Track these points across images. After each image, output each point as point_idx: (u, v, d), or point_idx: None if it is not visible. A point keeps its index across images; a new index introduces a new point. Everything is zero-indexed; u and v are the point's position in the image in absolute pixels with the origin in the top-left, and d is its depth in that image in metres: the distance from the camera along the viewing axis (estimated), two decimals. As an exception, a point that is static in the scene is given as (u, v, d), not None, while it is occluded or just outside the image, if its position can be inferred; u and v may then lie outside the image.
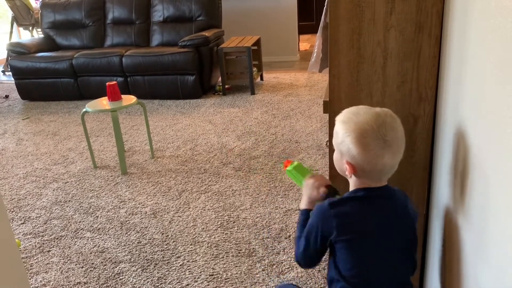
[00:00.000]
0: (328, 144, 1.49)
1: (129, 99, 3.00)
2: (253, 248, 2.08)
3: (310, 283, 1.84)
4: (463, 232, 1.05)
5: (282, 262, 1.97)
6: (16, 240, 1.27)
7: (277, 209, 2.40)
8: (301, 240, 1.16)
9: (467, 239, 1.01)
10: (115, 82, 2.98)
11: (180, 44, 4.48)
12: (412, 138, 1.41)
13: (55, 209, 2.58)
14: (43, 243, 2.26)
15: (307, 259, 1.17)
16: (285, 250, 2.05)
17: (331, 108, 1.44)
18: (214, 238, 2.19)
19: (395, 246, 1.10)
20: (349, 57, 1.36)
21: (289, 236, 2.15)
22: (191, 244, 2.15)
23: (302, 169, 1.36)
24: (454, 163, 1.14)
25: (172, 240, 2.20)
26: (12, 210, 2.60)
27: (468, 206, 1.01)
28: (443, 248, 1.28)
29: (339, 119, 1.06)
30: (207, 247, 2.12)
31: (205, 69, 4.53)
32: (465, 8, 1.05)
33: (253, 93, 4.58)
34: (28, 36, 6.80)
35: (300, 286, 1.74)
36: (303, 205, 1.29)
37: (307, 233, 1.14)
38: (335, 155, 1.10)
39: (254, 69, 4.70)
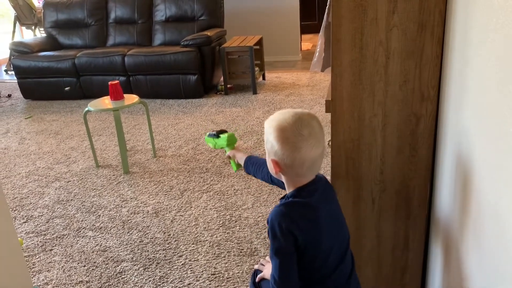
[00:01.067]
0: (330, 143, 1.49)
1: (131, 98, 3.00)
2: (255, 248, 2.09)
3: None
4: (465, 233, 1.04)
5: (283, 262, 1.97)
6: (18, 239, 1.28)
7: (279, 208, 2.40)
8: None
9: (469, 240, 1.01)
10: (117, 81, 2.99)
11: (182, 43, 4.48)
12: (414, 137, 1.40)
13: (57, 208, 2.58)
14: (45, 242, 2.26)
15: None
16: (287, 250, 2.05)
17: (333, 107, 1.43)
18: (216, 237, 2.19)
19: (336, 240, 1.17)
20: (352, 56, 1.35)
21: (291, 235, 2.15)
22: (193, 243, 2.16)
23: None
24: (457, 163, 1.14)
25: (174, 239, 2.20)
26: (14, 208, 2.61)
27: (471, 206, 1.00)
28: (445, 249, 1.28)
29: (266, 122, 1.15)
30: (209, 246, 2.13)
31: (207, 69, 4.54)
32: (467, 7, 1.05)
33: (255, 92, 4.59)
34: (30, 35, 6.81)
35: None
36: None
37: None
38: (267, 159, 1.18)
39: (256, 68, 4.70)
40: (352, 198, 1.54)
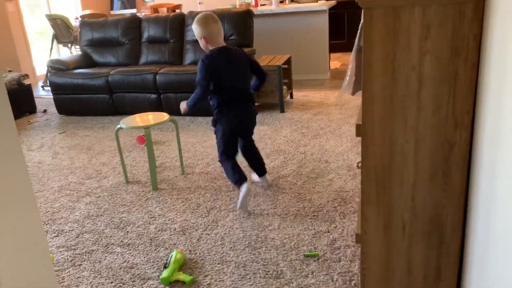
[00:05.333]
0: (359, 165, 1.48)
1: (161, 116, 3.06)
2: (281, 270, 2.06)
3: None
4: (504, 260, 1.01)
5: (310, 286, 1.94)
6: (50, 254, 1.31)
7: (305, 230, 2.37)
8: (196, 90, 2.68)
9: (507, 274, 0.97)
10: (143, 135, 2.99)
11: (212, 62, 4.55)
12: (447, 164, 1.37)
13: (87, 223, 2.64)
14: (75, 257, 2.31)
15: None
16: (314, 274, 2.02)
17: (364, 132, 1.42)
18: (242, 258, 2.18)
19: (239, 73, 2.64)
20: (383, 81, 1.35)
21: (318, 259, 2.12)
22: (218, 263, 2.15)
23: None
24: (492, 191, 1.10)
25: (200, 258, 2.20)
26: (46, 222, 2.68)
27: (507, 236, 0.97)
28: (479, 281, 1.23)
29: (193, 25, 2.61)
30: (235, 266, 2.12)
31: (236, 87, 4.58)
32: (505, 33, 1.03)
33: (282, 111, 4.60)
34: (67, 52, 7.07)
35: None
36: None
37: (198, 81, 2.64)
38: (200, 42, 2.59)
39: (284, 87, 4.72)
40: (383, 224, 1.51)
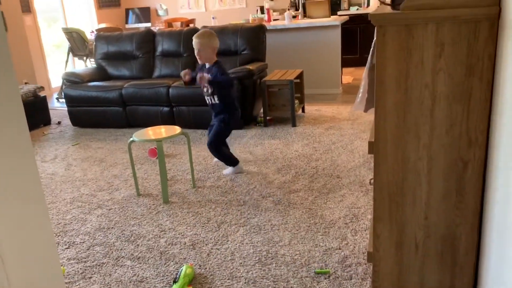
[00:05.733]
0: (372, 182, 1.46)
1: (174, 130, 3.08)
2: (291, 287, 2.04)
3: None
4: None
5: (320, 303, 1.91)
6: (61, 267, 1.31)
7: (316, 247, 2.35)
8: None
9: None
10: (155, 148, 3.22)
11: (224, 76, 4.59)
12: (461, 183, 1.36)
13: (98, 236, 2.65)
14: (85, 269, 2.31)
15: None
16: (324, 291, 1.99)
17: (377, 149, 1.41)
18: (252, 274, 2.17)
19: None
20: (396, 98, 1.34)
21: (329, 276, 2.09)
22: (228, 279, 2.14)
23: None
24: (508, 211, 1.08)
25: (210, 274, 2.19)
26: (58, 234, 2.69)
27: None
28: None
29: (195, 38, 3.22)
30: (245, 282, 2.10)
31: (247, 101, 4.61)
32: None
33: (294, 125, 4.60)
34: (82, 65, 7.19)
35: None
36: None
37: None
38: (207, 53, 3.22)
39: (296, 101, 4.73)
40: (395, 242, 1.49)
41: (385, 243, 1.50)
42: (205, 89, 3.32)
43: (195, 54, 3.31)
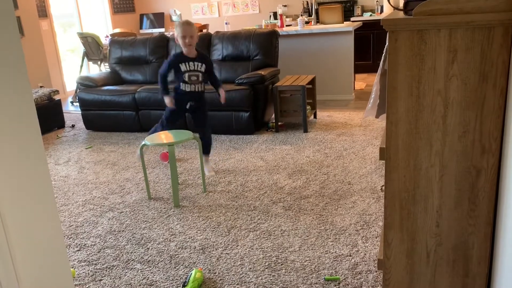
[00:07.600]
0: (383, 188, 1.45)
1: (185, 134, 3.09)
2: (301, 293, 2.03)
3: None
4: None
5: (330, 311, 1.89)
6: (71, 269, 1.32)
7: (327, 253, 2.33)
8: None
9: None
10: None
11: (236, 81, 4.60)
12: (474, 190, 1.34)
13: (109, 238, 2.66)
14: (96, 272, 2.32)
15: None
16: (334, 298, 1.97)
17: (388, 155, 1.40)
18: (261, 279, 2.16)
19: None
20: (408, 104, 1.33)
21: (339, 283, 2.08)
22: (237, 284, 2.13)
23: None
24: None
25: (219, 278, 2.19)
26: (69, 236, 2.72)
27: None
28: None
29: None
30: (254, 288, 2.09)
31: (259, 106, 4.61)
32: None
33: (305, 131, 4.58)
34: (96, 69, 7.27)
35: None
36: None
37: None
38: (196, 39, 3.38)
39: (308, 107, 4.72)
40: (406, 251, 1.47)
41: (396, 250, 1.48)
42: (194, 78, 3.41)
43: (185, 42, 3.28)
